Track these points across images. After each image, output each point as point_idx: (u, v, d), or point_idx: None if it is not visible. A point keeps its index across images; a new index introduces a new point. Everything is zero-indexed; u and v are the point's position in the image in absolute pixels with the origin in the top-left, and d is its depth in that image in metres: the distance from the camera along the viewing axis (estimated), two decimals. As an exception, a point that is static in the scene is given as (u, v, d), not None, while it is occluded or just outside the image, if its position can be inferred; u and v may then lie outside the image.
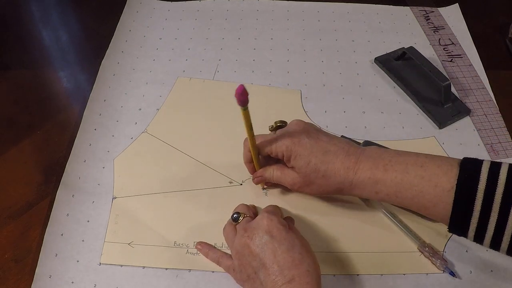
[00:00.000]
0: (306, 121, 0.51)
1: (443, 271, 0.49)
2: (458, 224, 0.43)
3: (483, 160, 0.43)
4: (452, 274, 0.49)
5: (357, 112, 0.64)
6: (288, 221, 0.47)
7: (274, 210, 0.48)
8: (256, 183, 0.54)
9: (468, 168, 0.42)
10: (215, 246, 0.51)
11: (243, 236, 0.44)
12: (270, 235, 0.43)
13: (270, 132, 0.52)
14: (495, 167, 0.41)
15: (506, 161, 0.48)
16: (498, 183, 0.40)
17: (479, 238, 0.43)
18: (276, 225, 0.44)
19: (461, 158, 0.44)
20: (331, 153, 0.47)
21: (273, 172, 0.51)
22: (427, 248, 0.50)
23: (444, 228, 0.52)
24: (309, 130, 0.49)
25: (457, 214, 0.42)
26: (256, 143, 0.49)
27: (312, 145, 0.47)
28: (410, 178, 0.44)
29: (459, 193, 0.42)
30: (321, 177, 0.47)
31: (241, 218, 0.47)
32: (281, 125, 0.51)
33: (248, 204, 0.51)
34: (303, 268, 0.41)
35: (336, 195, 0.51)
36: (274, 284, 0.41)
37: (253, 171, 0.53)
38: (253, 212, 0.50)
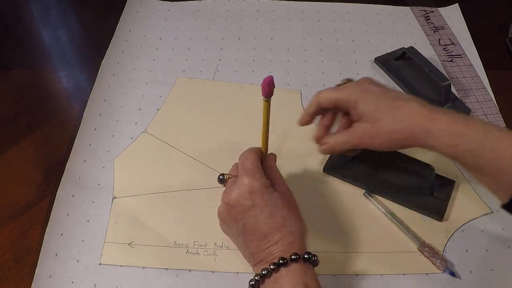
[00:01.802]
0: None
1: (443, 271, 0.49)
2: None
3: None
4: (452, 274, 0.49)
5: (357, 112, 0.64)
6: (270, 172, 0.47)
7: (253, 167, 0.45)
8: (324, 152, 0.51)
9: None
10: (215, 246, 0.51)
11: (226, 203, 0.45)
12: (251, 202, 0.43)
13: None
14: None
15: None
16: None
17: None
18: (258, 189, 0.43)
19: None
20: (402, 99, 0.45)
21: (338, 136, 0.49)
22: (427, 248, 0.50)
23: (444, 228, 0.53)
24: (379, 83, 0.48)
25: None
26: (320, 92, 0.48)
27: (382, 91, 0.46)
28: (491, 138, 0.41)
29: None
30: (391, 122, 0.44)
31: (226, 178, 0.47)
32: (347, 82, 0.49)
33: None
34: (286, 230, 0.42)
35: (407, 147, 0.46)
36: (257, 248, 0.43)
37: (304, 122, 0.50)
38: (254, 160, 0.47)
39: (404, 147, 0.46)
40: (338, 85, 0.51)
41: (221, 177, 0.48)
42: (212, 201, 0.53)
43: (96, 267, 0.49)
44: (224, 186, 0.48)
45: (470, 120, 0.43)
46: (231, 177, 0.47)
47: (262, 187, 0.44)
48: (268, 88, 0.42)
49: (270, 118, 0.46)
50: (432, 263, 0.50)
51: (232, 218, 0.45)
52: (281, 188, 0.46)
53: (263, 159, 0.49)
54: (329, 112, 0.51)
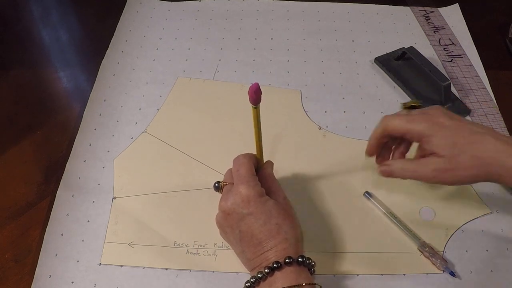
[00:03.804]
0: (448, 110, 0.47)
1: (443, 271, 0.49)
2: None
3: None
4: (452, 274, 0.49)
5: (357, 112, 0.64)
6: (266, 179, 0.48)
7: (248, 175, 0.46)
8: (384, 175, 0.48)
9: None
10: (215, 246, 0.51)
11: (222, 211, 0.46)
12: (247, 211, 0.44)
13: (401, 110, 0.48)
14: None
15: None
16: None
17: None
18: (253, 197, 0.44)
19: None
20: (478, 133, 0.44)
21: (404, 163, 0.47)
22: (427, 248, 0.50)
23: (444, 228, 0.53)
24: (451, 114, 0.46)
25: None
26: (388, 119, 0.47)
27: (457, 125, 0.45)
28: None
29: None
30: (469, 158, 0.43)
31: (221, 185, 0.48)
32: (416, 105, 0.48)
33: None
34: (281, 237, 0.43)
35: (480, 182, 0.44)
36: (253, 254, 0.44)
37: (373, 152, 0.49)
38: (252, 163, 0.48)
39: (477, 182, 0.45)
40: (406, 107, 0.48)
41: (216, 184, 0.48)
42: (212, 201, 0.53)
43: (96, 267, 0.49)
44: (220, 193, 0.48)
45: None
46: (226, 184, 0.48)
47: (257, 195, 0.45)
48: (255, 95, 0.42)
49: (261, 122, 0.46)
50: (432, 263, 0.50)
51: (229, 226, 0.45)
52: (277, 196, 0.47)
53: (260, 167, 0.50)
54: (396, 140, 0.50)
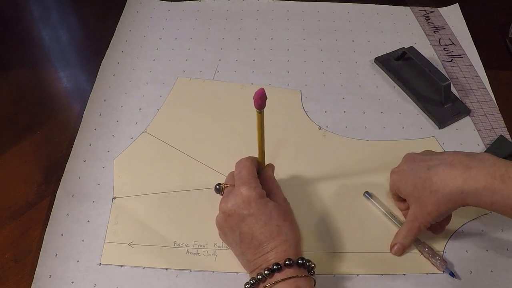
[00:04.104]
0: (417, 153, 0.51)
1: (443, 271, 0.49)
2: None
3: None
4: (452, 274, 0.49)
5: (357, 112, 0.64)
6: (267, 182, 0.48)
7: (249, 177, 0.46)
8: (398, 254, 0.50)
9: None
10: (215, 246, 0.51)
11: (223, 212, 0.46)
12: (247, 212, 0.44)
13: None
14: None
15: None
16: None
17: None
18: (254, 198, 0.44)
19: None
20: (433, 167, 0.46)
21: (401, 232, 0.50)
22: (427, 249, 0.50)
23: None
24: (414, 157, 0.50)
25: None
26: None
27: (412, 168, 0.48)
28: None
29: None
30: (429, 194, 0.45)
31: (222, 187, 0.48)
32: None
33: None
34: (281, 239, 0.43)
35: (456, 209, 0.46)
36: (253, 255, 0.44)
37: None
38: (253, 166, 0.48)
39: (454, 210, 0.46)
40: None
41: (217, 186, 0.49)
42: (212, 201, 0.53)
43: (96, 267, 0.49)
44: (221, 195, 0.48)
45: (507, 172, 0.42)
46: (227, 186, 0.48)
47: (258, 197, 0.45)
48: (261, 101, 0.42)
49: (265, 126, 0.46)
50: (432, 263, 0.50)
51: (229, 227, 0.45)
52: (277, 198, 0.47)
53: (261, 170, 0.50)
54: None
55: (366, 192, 0.55)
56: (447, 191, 0.44)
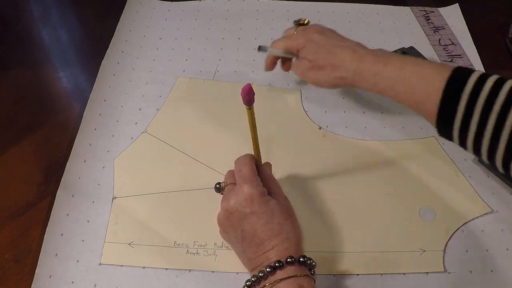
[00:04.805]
0: (327, 27, 0.58)
1: (443, 271, 0.49)
2: (443, 122, 0.46)
3: (476, 70, 0.45)
4: (452, 274, 0.49)
5: (357, 112, 0.64)
6: (266, 180, 0.48)
7: (251, 175, 0.47)
8: (268, 67, 0.62)
9: (460, 72, 0.45)
10: (215, 246, 0.51)
11: (225, 210, 0.46)
12: (249, 210, 0.44)
13: (292, 26, 0.61)
14: (484, 76, 0.44)
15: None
16: (483, 88, 0.42)
17: (462, 140, 0.45)
18: (256, 196, 0.44)
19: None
20: (339, 47, 0.54)
21: (281, 42, 0.59)
22: (426, 249, 0.50)
23: (444, 228, 0.53)
24: (324, 31, 0.57)
25: (443, 112, 0.45)
26: (274, 42, 0.61)
27: (323, 40, 0.55)
28: (405, 73, 0.48)
29: (447, 92, 0.45)
30: (328, 65, 0.53)
31: (222, 186, 0.48)
32: (304, 23, 0.60)
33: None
34: (282, 237, 0.43)
35: (339, 86, 0.57)
36: (254, 254, 0.44)
37: (270, 68, 0.62)
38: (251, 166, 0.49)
39: (336, 86, 0.57)
40: (295, 24, 0.60)
41: (217, 185, 0.49)
42: (212, 201, 0.53)
43: (96, 267, 0.49)
44: (221, 194, 0.48)
45: (391, 58, 0.50)
46: (227, 184, 0.48)
47: (260, 195, 0.45)
48: (248, 96, 0.42)
49: (262, 122, 0.46)
50: (433, 263, 0.50)
51: (231, 225, 0.45)
52: (278, 196, 0.47)
53: (258, 168, 0.50)
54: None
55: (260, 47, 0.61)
56: (343, 68, 0.53)
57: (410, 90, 0.48)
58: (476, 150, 0.44)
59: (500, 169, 0.44)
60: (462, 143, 0.45)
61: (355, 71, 0.51)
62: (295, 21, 0.61)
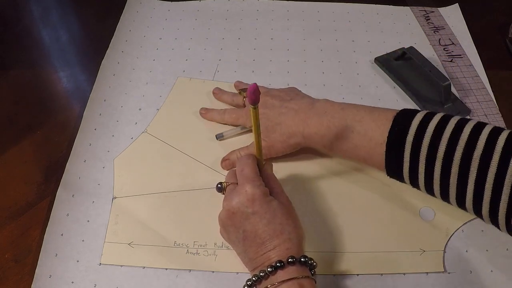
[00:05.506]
0: (267, 89, 0.60)
1: (443, 271, 0.49)
2: (393, 172, 0.49)
3: (419, 111, 0.48)
4: (452, 274, 0.49)
5: (357, 112, 0.64)
6: (268, 180, 0.48)
7: (253, 175, 0.47)
8: (225, 167, 0.57)
9: (400, 122, 0.47)
10: (215, 246, 0.51)
11: (227, 210, 0.46)
12: (252, 210, 0.44)
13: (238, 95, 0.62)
14: (426, 118, 0.46)
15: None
16: (425, 135, 0.45)
17: (414, 184, 0.48)
18: (258, 196, 0.44)
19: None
20: (283, 115, 0.54)
21: (239, 152, 0.57)
22: (426, 249, 0.50)
23: (444, 228, 0.53)
24: (266, 102, 0.56)
25: (390, 164, 0.48)
26: (231, 117, 0.60)
27: (266, 113, 0.55)
28: (348, 134, 0.50)
29: (390, 146, 0.47)
30: (278, 135, 0.54)
31: (224, 186, 0.49)
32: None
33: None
34: (284, 237, 0.43)
35: (296, 149, 0.56)
36: (255, 254, 0.44)
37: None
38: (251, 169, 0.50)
39: (293, 150, 0.56)
40: (240, 91, 0.61)
41: (219, 185, 0.49)
42: (212, 201, 0.53)
43: (96, 267, 0.49)
44: (223, 194, 0.48)
45: (336, 116, 0.51)
46: (229, 184, 0.48)
47: (262, 195, 0.45)
48: (254, 96, 0.42)
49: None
50: (432, 263, 0.50)
51: (233, 225, 0.45)
52: (280, 196, 0.47)
53: (260, 167, 0.50)
54: None
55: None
56: (292, 134, 0.53)
57: (355, 148, 0.50)
58: (429, 191, 0.48)
59: (455, 205, 0.47)
60: (416, 186, 0.49)
61: (303, 135, 0.53)
62: (239, 90, 0.62)
